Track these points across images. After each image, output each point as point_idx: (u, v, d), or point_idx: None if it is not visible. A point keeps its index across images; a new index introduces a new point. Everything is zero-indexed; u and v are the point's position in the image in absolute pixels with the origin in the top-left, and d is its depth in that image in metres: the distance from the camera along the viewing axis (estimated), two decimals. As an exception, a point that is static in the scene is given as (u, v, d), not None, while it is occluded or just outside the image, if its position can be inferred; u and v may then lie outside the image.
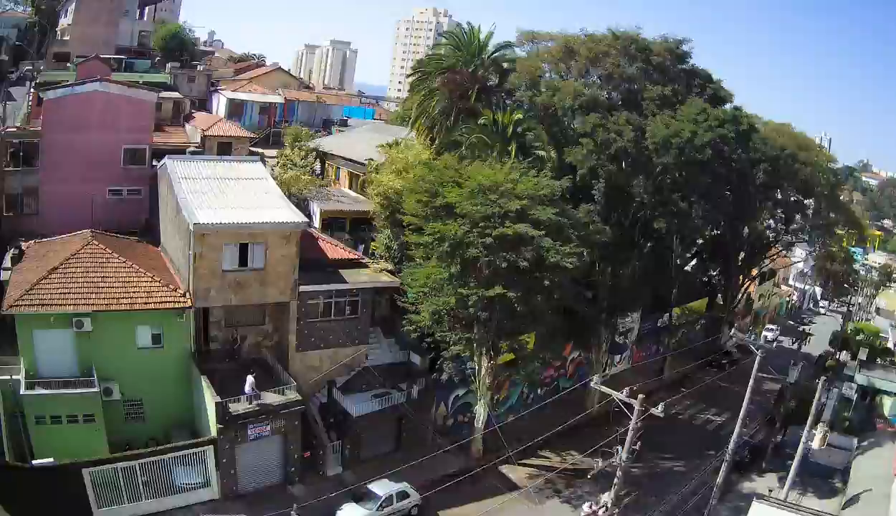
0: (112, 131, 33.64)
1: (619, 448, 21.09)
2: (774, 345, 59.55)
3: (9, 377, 23.54)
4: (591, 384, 22.45)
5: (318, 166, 45.71)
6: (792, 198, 36.59)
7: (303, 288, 27.82)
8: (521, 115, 28.37)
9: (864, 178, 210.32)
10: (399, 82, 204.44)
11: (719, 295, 48.56)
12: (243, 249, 26.26)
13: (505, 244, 23.34)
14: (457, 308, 24.96)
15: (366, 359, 30.50)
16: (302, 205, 38.81)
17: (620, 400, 21.21)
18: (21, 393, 22.96)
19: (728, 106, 31.67)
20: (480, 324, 25.54)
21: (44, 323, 23.48)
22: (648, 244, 32.71)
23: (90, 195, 32.60)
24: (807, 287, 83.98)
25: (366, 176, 38.53)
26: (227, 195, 28.04)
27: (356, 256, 31.31)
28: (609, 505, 21.34)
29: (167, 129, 43.30)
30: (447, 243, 24.02)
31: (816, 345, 61.74)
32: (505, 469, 30.63)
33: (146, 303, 24.96)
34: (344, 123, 55.05)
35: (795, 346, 58.27)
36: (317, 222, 38.22)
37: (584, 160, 27.00)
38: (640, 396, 21.00)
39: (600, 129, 26.61)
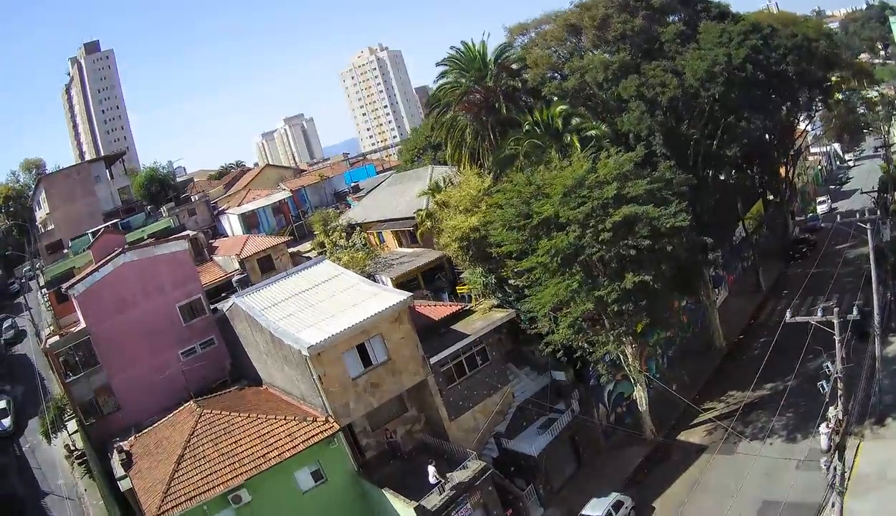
0: (159, 295, 32.12)
1: (829, 363, 20.66)
2: (833, 211, 59.64)
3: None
4: (787, 319, 21.86)
5: (358, 239, 45.47)
6: (821, 74, 36.59)
7: (432, 360, 27.37)
8: (563, 106, 28.12)
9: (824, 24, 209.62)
10: (367, 129, 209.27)
11: (768, 192, 48.31)
12: (362, 350, 25.57)
13: (620, 232, 23.03)
14: (596, 310, 24.56)
15: (514, 398, 30.00)
16: (370, 281, 38.53)
17: (818, 323, 20.78)
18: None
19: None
20: (618, 315, 25.14)
21: (199, 514, 21.99)
22: (713, 173, 32.50)
23: (165, 365, 31.33)
24: (827, 148, 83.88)
25: (418, 227, 38.27)
26: (316, 307, 27.39)
27: (459, 307, 30.89)
28: (841, 417, 20.86)
29: (200, 268, 42.75)
30: (561, 255, 23.66)
31: (861, 200, 61.51)
32: (683, 436, 30.40)
33: (294, 447, 23.64)
34: (356, 189, 54.84)
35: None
36: (391, 292, 37.85)
37: (639, 122, 26.82)
38: (836, 309, 20.59)
39: (644, 89, 26.46)
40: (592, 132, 28.01)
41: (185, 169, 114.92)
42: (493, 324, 29.36)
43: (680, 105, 27.10)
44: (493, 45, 33.21)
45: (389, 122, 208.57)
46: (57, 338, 31.57)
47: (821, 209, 59.81)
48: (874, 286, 26.40)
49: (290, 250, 45.49)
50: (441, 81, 33.49)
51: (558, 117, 28.16)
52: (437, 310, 30.60)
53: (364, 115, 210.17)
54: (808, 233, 51.33)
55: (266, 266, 41.73)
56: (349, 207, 54.07)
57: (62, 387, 31.35)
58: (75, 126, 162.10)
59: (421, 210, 35.64)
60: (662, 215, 23.18)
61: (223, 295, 38.44)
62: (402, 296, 26.53)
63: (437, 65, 32.36)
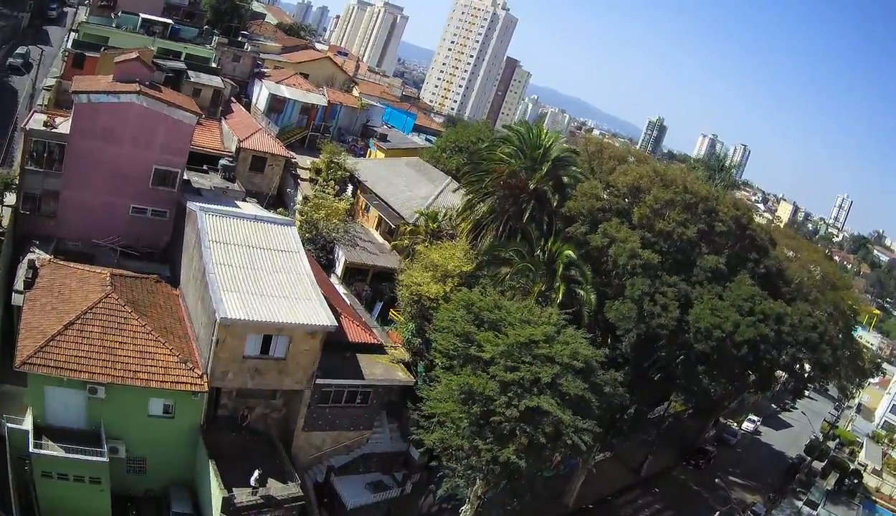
0: (145, 148, 31.93)
1: None
2: (756, 434, 61.12)
3: (18, 426, 23.72)
4: None
5: (349, 191, 44.80)
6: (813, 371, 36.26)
7: (319, 381, 27.91)
8: (572, 254, 27.69)
9: (876, 251, 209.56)
10: (444, 63, 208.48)
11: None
12: (267, 339, 26.12)
13: (527, 414, 23.37)
14: (466, 451, 25.21)
15: (366, 443, 31.04)
16: (328, 247, 38.42)
17: None
18: (29, 450, 23.24)
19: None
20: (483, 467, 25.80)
21: (57, 381, 23.36)
22: (659, 376, 32.94)
23: (113, 208, 31.89)
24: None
25: (399, 229, 37.95)
26: (257, 274, 27.49)
27: (376, 340, 31.22)
28: None
29: (204, 123, 41.69)
30: (473, 397, 24.00)
31: (792, 439, 63.14)
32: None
33: (162, 382, 24.72)
34: (384, 138, 53.28)
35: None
36: (339, 268, 37.92)
37: (623, 321, 26.75)
38: None
39: (647, 300, 26.22)
40: (581, 292, 27.81)
41: None
42: (391, 381, 30.06)
43: (667, 332, 27.00)
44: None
45: (465, 70, 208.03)
46: (42, 125, 31.09)
47: (746, 425, 60.85)
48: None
49: (292, 155, 44.60)
50: (499, 146, 32.25)
51: (559, 259, 27.80)
52: (356, 332, 30.96)
53: (450, 49, 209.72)
54: (713, 446, 52.73)
55: (257, 166, 41.41)
56: (367, 149, 52.79)
57: (20, 169, 31.25)
58: None
59: (407, 225, 35.26)
60: (570, 426, 23.55)
61: (204, 167, 37.89)
62: (329, 321, 26.82)
63: (504, 126, 30.88)
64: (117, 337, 24.96)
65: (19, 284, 27.05)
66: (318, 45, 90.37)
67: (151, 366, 24.86)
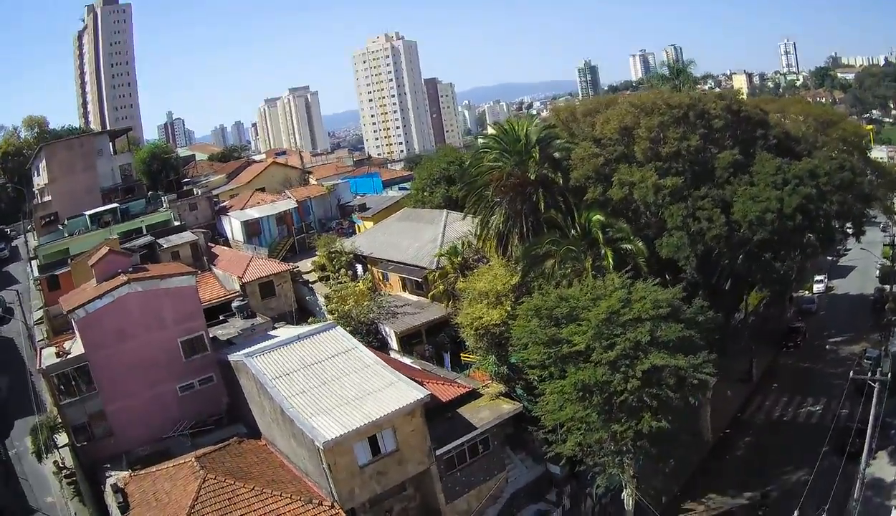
0: (160, 329, 31.30)
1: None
2: (829, 292, 60.41)
3: None
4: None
5: (360, 270, 44.92)
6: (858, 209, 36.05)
7: (438, 451, 27.57)
8: (601, 217, 27.74)
9: (838, 75, 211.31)
10: (372, 116, 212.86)
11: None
12: (373, 440, 25.64)
13: (647, 378, 23.18)
14: (606, 441, 24.88)
15: (507, 483, 30.51)
16: (372, 329, 38.35)
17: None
18: None
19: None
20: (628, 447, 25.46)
21: None
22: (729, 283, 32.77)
23: (161, 397, 31.10)
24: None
25: (427, 279, 37.95)
26: (329, 385, 27.14)
27: (467, 388, 30.96)
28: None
29: (198, 278, 41.62)
30: (587, 390, 23.78)
31: (862, 277, 62.43)
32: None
33: None
34: (363, 208, 53.71)
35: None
36: (393, 343, 37.78)
37: (678, 251, 26.72)
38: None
39: (690, 220, 26.25)
40: (627, 246, 27.81)
41: (183, 121, 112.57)
42: (501, 416, 29.65)
43: (722, 240, 26.95)
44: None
45: (395, 111, 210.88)
46: (55, 359, 30.68)
47: (817, 288, 59.81)
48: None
49: (293, 265, 44.73)
50: (482, 157, 32.55)
51: (596, 226, 27.83)
52: (445, 391, 30.63)
53: (371, 100, 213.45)
54: (800, 320, 52.31)
55: (267, 292, 41.24)
56: (354, 225, 53.09)
57: (56, 408, 30.83)
58: (83, 75, 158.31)
59: (433, 271, 35.26)
60: (689, 367, 23.36)
61: (221, 317, 37.83)
62: (421, 393, 26.49)
63: (479, 136, 31.24)
64: (235, 512, 23.96)
65: (115, 513, 25.97)
66: (255, 158, 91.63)
67: (283, 523, 24.29)
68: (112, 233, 45.89)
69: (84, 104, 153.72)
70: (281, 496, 24.87)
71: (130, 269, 32.49)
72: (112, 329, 30.32)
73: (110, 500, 26.67)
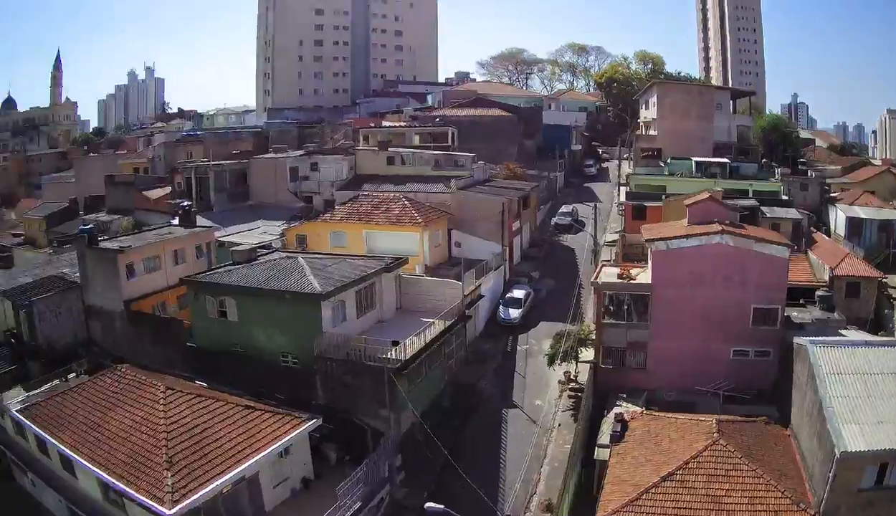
0: (738, 288, 29.32)
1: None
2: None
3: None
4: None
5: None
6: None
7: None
8: None
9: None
10: None
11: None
12: (882, 468, 19.51)
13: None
14: None
15: None
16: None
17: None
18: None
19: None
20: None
21: None
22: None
23: (710, 352, 29.44)
24: None
25: None
26: (874, 402, 21.56)
27: None
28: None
29: (792, 258, 37.78)
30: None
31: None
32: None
33: None
34: None
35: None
36: None
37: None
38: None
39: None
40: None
41: (807, 107, 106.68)
42: None
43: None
44: None
45: None
46: (615, 279, 31.61)
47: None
48: None
49: (882, 274, 36.74)
50: None
51: None
52: None
53: None
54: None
55: (851, 292, 35.66)
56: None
57: (595, 324, 31.78)
58: (705, 28, 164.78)
59: None
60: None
61: (801, 301, 33.84)
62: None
63: None
64: (724, 484, 21.49)
65: (604, 438, 26.13)
66: (872, 161, 77.99)
67: (762, 511, 20.48)
68: (717, 185, 44.80)
69: (706, 58, 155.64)
70: (776, 487, 21.11)
71: (726, 222, 31.45)
72: (688, 271, 29.94)
73: (606, 426, 26.88)
